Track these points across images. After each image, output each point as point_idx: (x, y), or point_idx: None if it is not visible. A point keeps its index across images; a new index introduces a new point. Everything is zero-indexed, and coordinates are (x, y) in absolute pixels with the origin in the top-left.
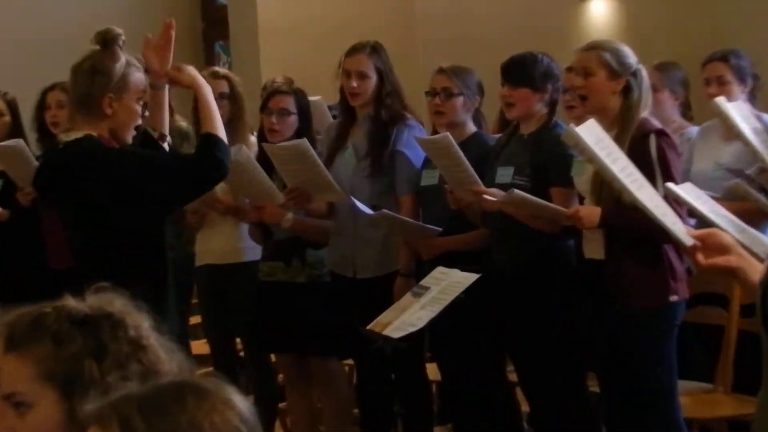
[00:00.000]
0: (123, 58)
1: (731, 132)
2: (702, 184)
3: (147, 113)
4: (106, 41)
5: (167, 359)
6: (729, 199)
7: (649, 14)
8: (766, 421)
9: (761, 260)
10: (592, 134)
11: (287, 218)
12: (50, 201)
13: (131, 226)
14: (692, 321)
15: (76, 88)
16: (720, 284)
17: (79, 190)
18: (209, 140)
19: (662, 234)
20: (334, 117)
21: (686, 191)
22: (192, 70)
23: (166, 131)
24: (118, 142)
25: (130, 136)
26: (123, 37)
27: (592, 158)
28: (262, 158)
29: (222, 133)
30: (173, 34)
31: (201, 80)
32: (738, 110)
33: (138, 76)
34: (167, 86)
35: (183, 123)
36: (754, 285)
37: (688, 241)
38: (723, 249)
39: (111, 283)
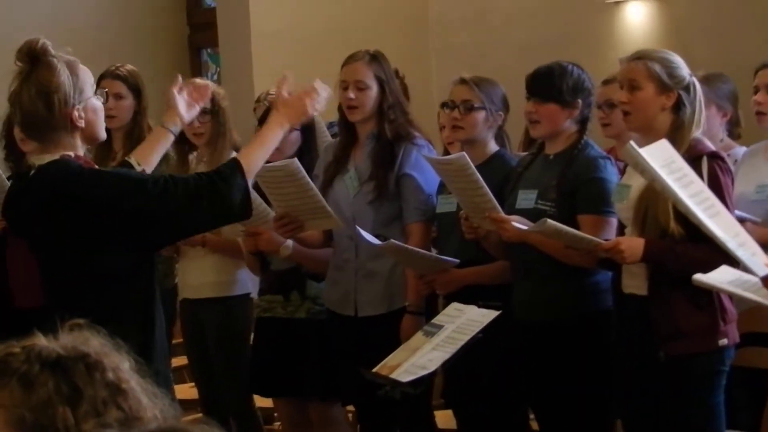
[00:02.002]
0: (61, 64)
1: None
2: (743, 207)
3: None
4: (36, 56)
5: (150, 405)
6: None
7: (693, 18)
8: None
9: None
10: (660, 156)
11: (286, 246)
12: (21, 233)
13: (117, 264)
14: (737, 364)
15: (28, 119)
16: (767, 323)
17: (58, 225)
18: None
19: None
20: (334, 136)
21: (714, 280)
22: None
23: (149, 170)
24: (93, 144)
25: (103, 132)
26: (48, 43)
27: (654, 179)
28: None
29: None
30: (209, 94)
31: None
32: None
33: (83, 70)
34: (174, 135)
35: None
36: None
37: (762, 271)
38: None
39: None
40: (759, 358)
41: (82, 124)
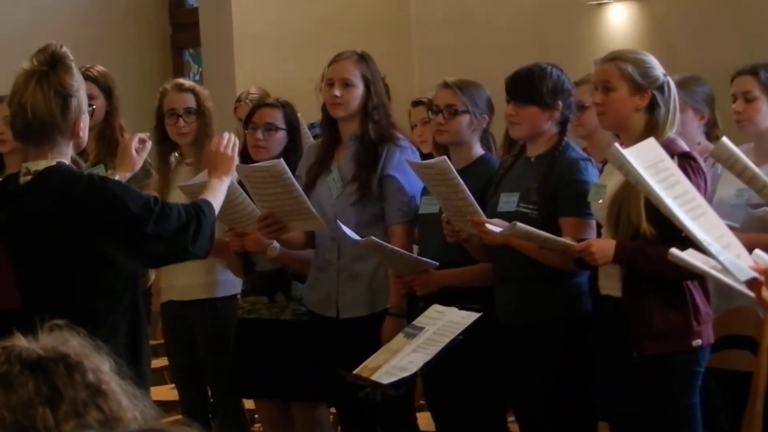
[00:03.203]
0: (78, 72)
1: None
2: (724, 211)
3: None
4: (58, 59)
5: (130, 406)
6: (755, 230)
7: (676, 21)
8: None
9: None
10: (647, 156)
11: (273, 247)
12: (6, 236)
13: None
14: (715, 367)
15: (37, 121)
16: (747, 325)
17: (58, 231)
18: (204, 208)
19: (685, 272)
20: (315, 137)
21: (692, 256)
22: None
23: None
24: (76, 152)
25: (86, 141)
26: (68, 50)
27: (637, 181)
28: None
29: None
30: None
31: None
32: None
33: (83, 80)
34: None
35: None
36: None
37: (746, 275)
38: None
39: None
40: (738, 360)
41: (81, 133)
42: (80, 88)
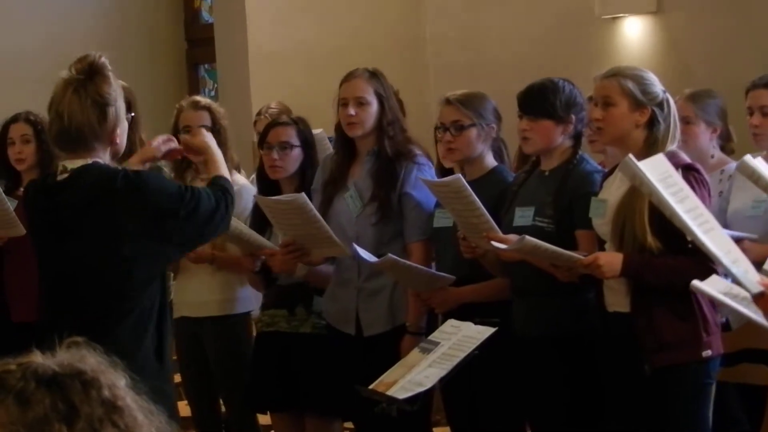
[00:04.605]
0: (115, 81)
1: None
2: (739, 223)
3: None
4: (96, 70)
5: (146, 422)
6: None
7: (691, 35)
8: None
9: None
10: (657, 169)
11: (301, 266)
12: (47, 230)
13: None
14: (735, 380)
15: (75, 128)
16: (764, 340)
17: (93, 222)
18: (225, 185)
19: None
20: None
21: (712, 287)
22: (205, 136)
23: None
24: (113, 160)
25: (123, 148)
26: (107, 59)
27: (652, 193)
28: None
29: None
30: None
31: (213, 146)
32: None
33: (122, 90)
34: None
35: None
36: None
37: (755, 288)
38: None
39: (83, 335)
40: (755, 374)
41: (118, 140)
42: (118, 97)
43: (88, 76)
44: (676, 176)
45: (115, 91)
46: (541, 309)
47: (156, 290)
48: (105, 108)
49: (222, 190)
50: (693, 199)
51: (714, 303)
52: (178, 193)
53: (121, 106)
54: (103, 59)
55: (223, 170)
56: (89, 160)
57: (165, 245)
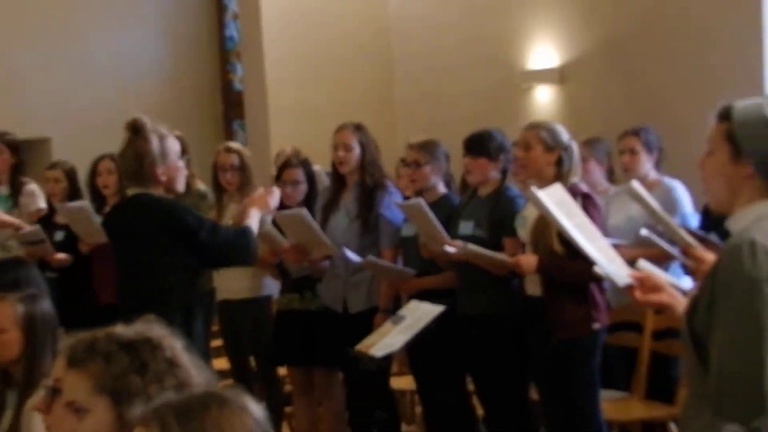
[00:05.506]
0: (154, 137)
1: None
2: (618, 234)
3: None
4: (136, 129)
5: (196, 374)
6: (640, 246)
7: (584, 97)
8: (689, 417)
9: None
10: (553, 196)
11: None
12: (117, 237)
13: (174, 268)
14: (614, 343)
15: (128, 170)
16: (636, 314)
17: (140, 233)
18: (247, 230)
19: (586, 278)
20: None
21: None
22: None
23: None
24: (173, 194)
25: (181, 186)
26: (147, 122)
27: (548, 215)
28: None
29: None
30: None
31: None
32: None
33: (172, 142)
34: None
35: (201, 186)
36: (681, 316)
37: (623, 282)
38: (657, 288)
39: (149, 313)
40: (629, 339)
41: (163, 179)
42: (157, 147)
43: (134, 134)
44: (569, 200)
45: (151, 144)
46: (480, 294)
47: (197, 284)
48: (141, 159)
49: (243, 230)
50: (581, 216)
51: (602, 288)
52: (199, 220)
53: (163, 152)
54: (143, 121)
55: (252, 222)
56: (141, 191)
57: (190, 258)
